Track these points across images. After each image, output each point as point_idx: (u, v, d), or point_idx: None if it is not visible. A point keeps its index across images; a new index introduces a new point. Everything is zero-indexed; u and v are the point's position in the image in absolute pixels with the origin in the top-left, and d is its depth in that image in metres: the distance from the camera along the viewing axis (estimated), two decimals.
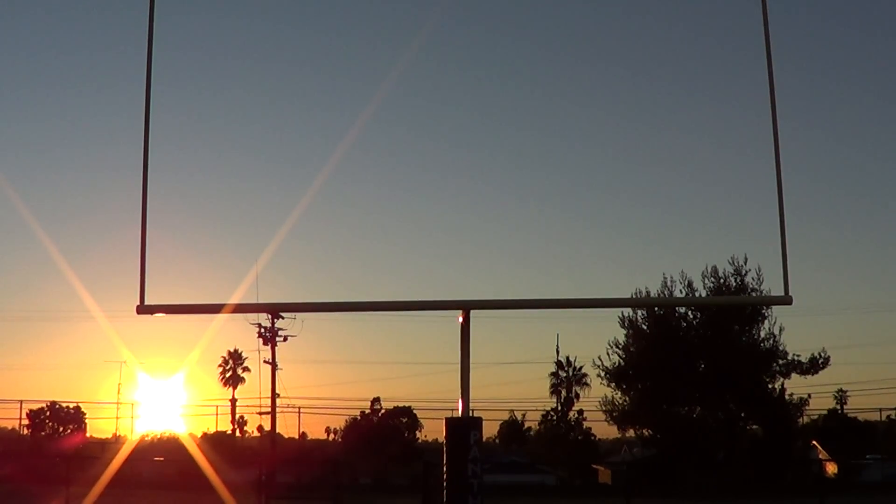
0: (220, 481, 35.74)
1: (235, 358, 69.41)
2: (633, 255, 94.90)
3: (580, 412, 67.49)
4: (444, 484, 10.69)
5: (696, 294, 52.33)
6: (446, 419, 10.90)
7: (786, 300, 11.15)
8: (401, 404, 70.81)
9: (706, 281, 52.08)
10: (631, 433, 57.59)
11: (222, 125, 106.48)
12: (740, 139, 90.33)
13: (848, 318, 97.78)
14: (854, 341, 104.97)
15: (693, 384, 51.55)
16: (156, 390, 69.95)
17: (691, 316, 53.69)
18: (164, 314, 11.79)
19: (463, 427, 10.71)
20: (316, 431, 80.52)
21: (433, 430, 69.78)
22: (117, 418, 68.69)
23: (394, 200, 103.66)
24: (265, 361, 52.89)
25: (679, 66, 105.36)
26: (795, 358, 52.71)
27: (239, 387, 69.57)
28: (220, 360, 69.42)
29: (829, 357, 53.01)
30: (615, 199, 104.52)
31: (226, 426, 68.14)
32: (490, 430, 74.54)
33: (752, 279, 51.75)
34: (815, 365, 52.77)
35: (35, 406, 65.70)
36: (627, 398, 54.07)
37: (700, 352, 52.28)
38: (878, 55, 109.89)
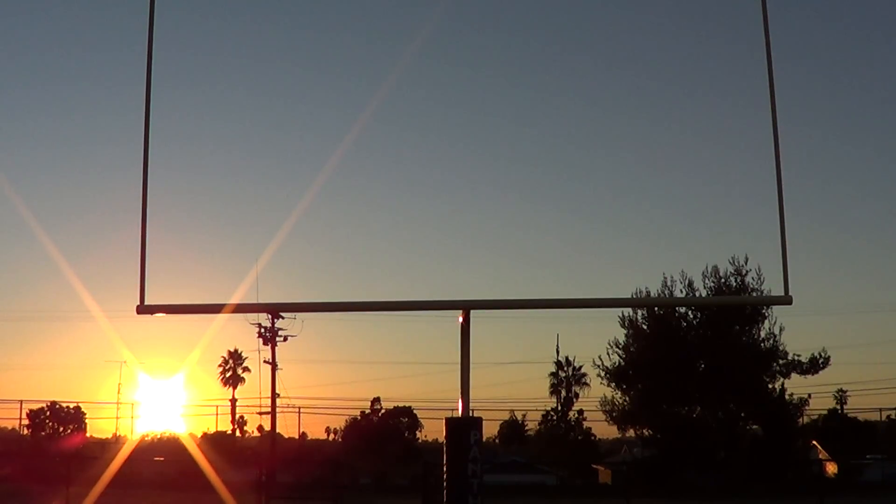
0: (220, 481, 35.78)
1: (235, 358, 69.44)
2: (633, 255, 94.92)
3: (580, 412, 67.54)
4: (444, 484, 10.68)
5: (696, 294, 52.34)
6: (446, 419, 10.90)
7: (786, 300, 11.14)
8: (401, 404, 71.03)
9: (706, 281, 52.12)
10: (631, 433, 57.56)
11: (222, 125, 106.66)
12: (740, 139, 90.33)
13: (848, 318, 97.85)
14: (854, 341, 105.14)
15: (693, 384, 51.53)
16: (156, 390, 70.11)
17: (691, 316, 53.66)
18: (164, 314, 11.79)
19: (463, 427, 10.71)
20: (316, 431, 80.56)
21: (433, 430, 69.93)
22: (117, 418, 68.83)
23: (394, 200, 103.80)
24: (265, 361, 52.89)
25: (679, 65, 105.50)
26: (795, 358, 52.71)
27: (239, 387, 69.69)
28: (220, 360, 69.55)
29: (829, 357, 53.05)
30: (615, 199, 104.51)
31: (226, 426, 68.26)
32: (490, 430, 74.49)
33: (753, 279, 51.79)
34: (815, 365, 52.74)
35: (35, 406, 65.91)
36: (627, 398, 54.05)
37: (700, 352, 52.26)
38: (878, 55, 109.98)
